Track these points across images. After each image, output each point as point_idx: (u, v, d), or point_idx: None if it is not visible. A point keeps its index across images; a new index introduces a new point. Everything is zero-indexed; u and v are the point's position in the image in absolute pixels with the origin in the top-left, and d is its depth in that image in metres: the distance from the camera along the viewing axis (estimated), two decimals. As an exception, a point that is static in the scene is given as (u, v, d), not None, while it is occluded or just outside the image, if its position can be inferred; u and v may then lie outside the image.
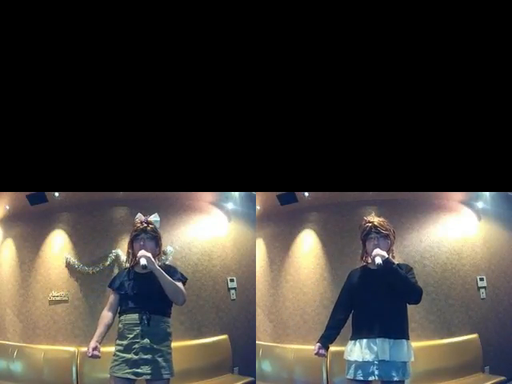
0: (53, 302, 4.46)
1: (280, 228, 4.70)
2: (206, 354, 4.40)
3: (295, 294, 4.52)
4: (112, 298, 2.74)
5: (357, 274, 2.74)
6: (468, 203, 4.53)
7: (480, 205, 4.49)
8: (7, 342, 4.41)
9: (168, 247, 4.43)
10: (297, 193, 4.42)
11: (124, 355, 2.58)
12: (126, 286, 2.69)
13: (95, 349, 2.59)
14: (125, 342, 2.59)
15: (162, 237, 2.80)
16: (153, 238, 2.73)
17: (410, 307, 2.70)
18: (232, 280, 4.60)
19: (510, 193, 4.26)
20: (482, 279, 4.39)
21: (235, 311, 4.57)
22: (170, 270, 2.71)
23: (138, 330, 2.58)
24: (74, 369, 4.16)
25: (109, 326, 2.68)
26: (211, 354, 4.42)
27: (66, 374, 4.18)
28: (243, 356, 4.35)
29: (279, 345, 4.46)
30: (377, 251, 2.62)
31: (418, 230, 4.45)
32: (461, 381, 4.11)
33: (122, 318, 2.66)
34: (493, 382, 4.06)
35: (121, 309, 2.69)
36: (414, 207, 4.47)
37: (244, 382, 4.20)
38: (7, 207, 4.57)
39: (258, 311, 4.46)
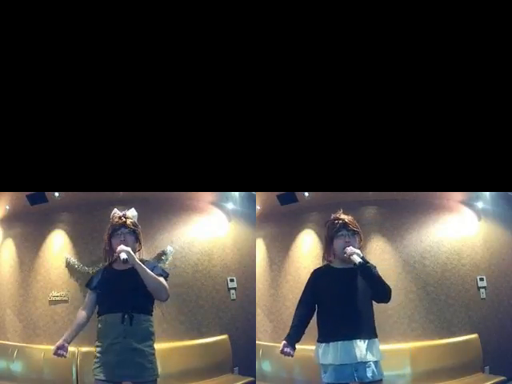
0: (53, 302, 4.45)
1: (280, 228, 4.70)
2: (206, 354, 4.40)
3: (295, 294, 4.48)
4: (88, 297, 2.65)
5: (321, 274, 2.69)
6: (468, 203, 4.53)
7: (480, 205, 4.49)
8: (7, 342, 4.41)
9: (168, 247, 4.43)
10: (297, 193, 4.42)
11: (106, 356, 2.49)
12: (104, 284, 2.59)
13: (61, 348, 2.53)
14: (106, 343, 2.51)
15: (141, 232, 2.71)
16: (133, 233, 2.64)
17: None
18: (232, 280, 4.59)
19: (510, 193, 4.26)
20: (482, 279, 4.39)
21: (235, 311, 4.56)
22: (150, 266, 2.61)
23: (119, 329, 2.49)
24: (73, 369, 4.16)
25: (81, 326, 2.61)
26: (211, 354, 4.42)
27: (65, 374, 4.18)
28: (243, 356, 4.35)
29: (279, 345, 4.45)
30: (352, 249, 2.55)
31: (417, 230, 4.45)
32: (461, 381, 4.11)
33: (101, 317, 2.57)
34: (493, 382, 4.05)
35: (100, 308, 2.59)
36: (414, 207, 4.47)
37: (244, 382, 4.20)
38: (7, 207, 4.57)
39: (258, 311, 4.46)
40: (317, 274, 2.71)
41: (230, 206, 4.68)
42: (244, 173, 3.04)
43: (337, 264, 2.65)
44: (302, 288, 2.75)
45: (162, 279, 2.58)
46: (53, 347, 2.57)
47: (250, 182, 3.05)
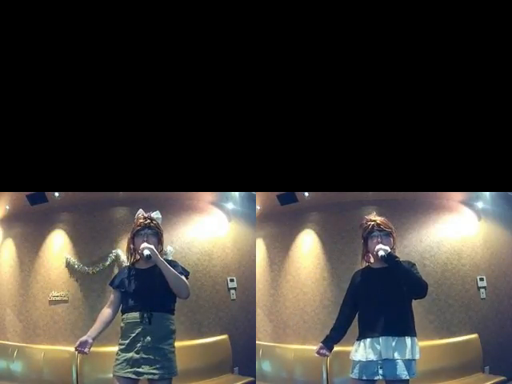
0: (53, 302, 4.46)
1: (280, 228, 4.70)
2: (206, 354, 4.40)
3: (295, 294, 4.52)
4: (112, 295, 2.70)
5: (360, 275, 2.74)
6: (468, 203, 4.53)
7: (480, 205, 4.49)
8: (7, 342, 4.41)
9: (168, 247, 4.43)
10: (297, 193, 4.42)
11: (125, 354, 2.54)
12: (126, 283, 2.64)
13: (83, 343, 2.58)
14: (127, 341, 2.56)
15: (163, 234, 2.77)
16: (156, 235, 2.69)
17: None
18: (232, 280, 4.60)
19: (510, 193, 4.26)
20: (482, 279, 4.39)
21: (235, 311, 4.57)
22: (172, 264, 2.66)
23: (139, 328, 2.54)
24: (73, 369, 4.16)
25: (106, 323, 2.65)
26: (211, 354, 4.42)
27: (65, 373, 4.18)
28: (243, 356, 4.35)
29: (279, 345, 4.46)
30: (379, 246, 2.63)
31: (417, 230, 4.45)
32: (461, 381, 4.11)
33: (124, 316, 2.62)
34: (493, 381, 4.06)
35: (123, 307, 2.65)
36: (414, 207, 4.47)
37: (244, 382, 4.20)
38: (7, 207, 4.58)
39: (258, 311, 4.46)
40: (355, 276, 2.77)
41: (230, 205, 4.69)
42: (244, 173, 3.04)
43: (375, 264, 2.71)
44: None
45: (183, 277, 2.64)
46: (76, 342, 2.61)
47: (250, 182, 3.05)
